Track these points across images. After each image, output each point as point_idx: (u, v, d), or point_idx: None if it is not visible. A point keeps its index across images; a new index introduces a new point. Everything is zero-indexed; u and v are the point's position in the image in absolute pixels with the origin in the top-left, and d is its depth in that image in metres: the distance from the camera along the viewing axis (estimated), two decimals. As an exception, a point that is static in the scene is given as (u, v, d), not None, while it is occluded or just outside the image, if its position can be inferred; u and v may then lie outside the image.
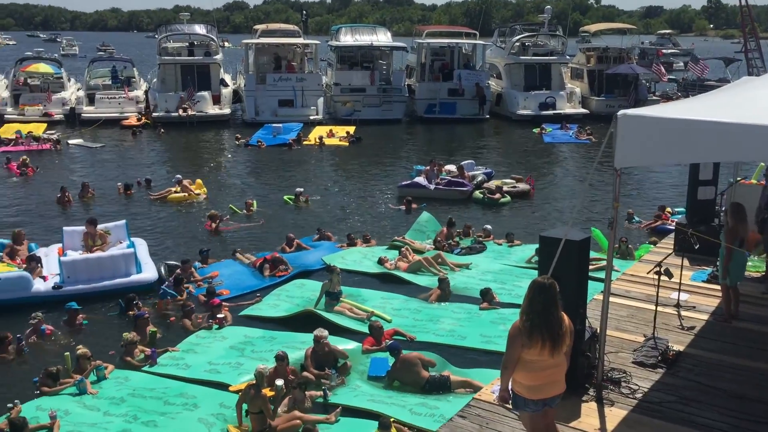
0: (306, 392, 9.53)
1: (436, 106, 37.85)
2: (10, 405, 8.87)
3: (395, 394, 9.75)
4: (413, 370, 9.95)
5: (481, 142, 33.61)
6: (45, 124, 33.09)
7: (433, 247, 16.39)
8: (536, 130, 34.84)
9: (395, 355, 10.11)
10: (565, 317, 5.86)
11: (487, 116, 38.28)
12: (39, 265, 14.00)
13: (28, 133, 30.26)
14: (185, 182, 21.55)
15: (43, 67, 38.34)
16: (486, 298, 12.99)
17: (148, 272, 14.18)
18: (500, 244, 16.79)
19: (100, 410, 9.32)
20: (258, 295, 13.48)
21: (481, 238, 17.06)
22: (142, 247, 15.56)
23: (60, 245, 15.05)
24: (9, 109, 34.81)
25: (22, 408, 8.91)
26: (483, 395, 7.83)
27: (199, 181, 22.00)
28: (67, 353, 10.53)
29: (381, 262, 15.13)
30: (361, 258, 15.65)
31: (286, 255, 15.53)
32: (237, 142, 31.07)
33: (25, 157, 25.65)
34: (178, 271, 14.09)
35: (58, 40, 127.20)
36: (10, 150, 27.79)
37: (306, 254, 15.91)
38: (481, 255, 16.09)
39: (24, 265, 14.01)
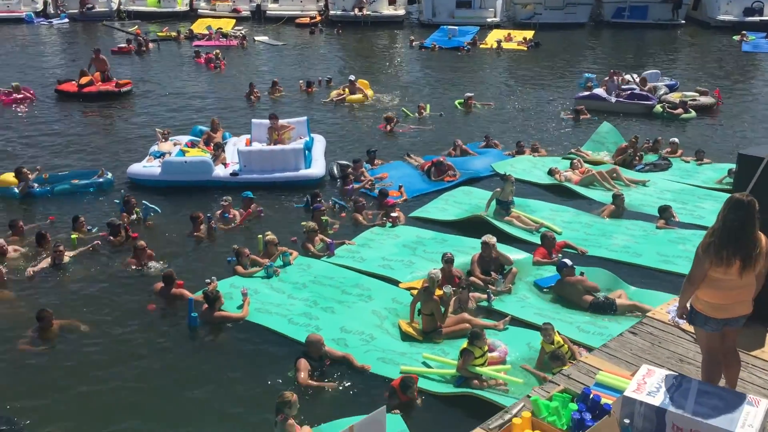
0: (471, 294, 9.81)
1: (625, 9, 35.32)
2: (207, 280, 9.86)
3: (563, 309, 9.72)
4: (575, 293, 9.88)
5: (671, 50, 31.16)
6: (233, 20, 34.76)
7: (611, 160, 15.75)
8: (736, 38, 31.63)
9: (561, 272, 10.05)
10: (763, 238, 5.49)
11: (682, 21, 35.19)
12: (223, 152, 15.21)
13: (218, 29, 32.02)
14: (358, 84, 21.91)
15: (235, -36, 39.87)
16: (664, 215, 12.41)
17: (317, 168, 14.89)
18: (687, 162, 15.79)
19: (284, 293, 10.16)
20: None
21: (668, 154, 16.13)
22: (319, 143, 16.27)
23: (248, 136, 16.14)
24: (202, 4, 36.87)
25: (218, 284, 9.88)
26: (657, 314, 7.64)
27: (365, 82, 22.17)
28: (260, 236, 11.42)
29: (551, 173, 14.81)
30: (531, 167, 15.40)
31: (453, 160, 15.57)
32: (411, 45, 30.98)
33: (217, 51, 27.29)
34: (350, 170, 14.63)
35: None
36: (202, 44, 29.62)
37: (472, 160, 15.89)
38: (665, 173, 15.25)
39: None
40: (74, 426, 7.58)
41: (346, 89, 21.65)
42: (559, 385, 6.31)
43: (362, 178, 14.56)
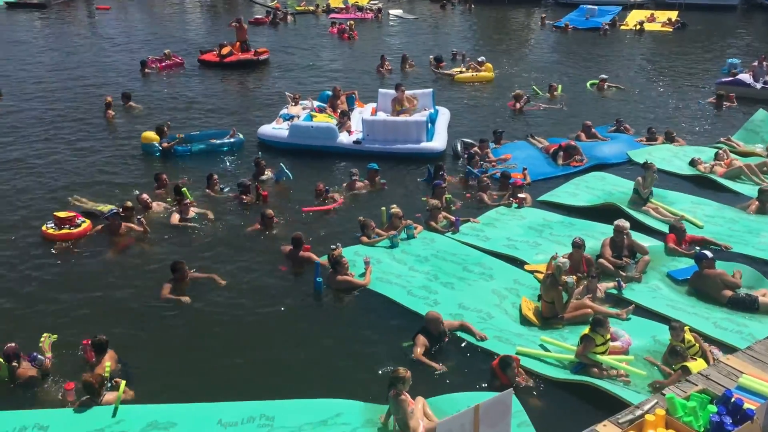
0: (599, 284, 9.39)
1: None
2: (332, 246, 10.04)
3: (699, 303, 9.17)
4: (714, 287, 9.25)
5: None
6: (370, -6, 35.02)
7: (766, 153, 14.58)
8: None
9: (700, 264, 9.44)
10: None
11: None
12: (348, 120, 15.39)
13: (354, 2, 32.37)
14: (471, 63, 21.47)
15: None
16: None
17: (438, 142, 14.73)
18: None
19: (406, 264, 10.15)
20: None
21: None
22: (443, 117, 16.12)
23: (374, 105, 16.27)
24: (339, -22, 37.30)
25: (342, 251, 10.04)
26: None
27: (489, 65, 21.57)
28: (383, 208, 11.50)
29: (694, 163, 13.91)
30: (671, 156, 14.52)
31: (581, 143, 14.86)
32: (542, 24, 30.02)
33: (351, 22, 27.66)
34: (475, 149, 14.33)
35: None
36: (339, 17, 30.07)
37: (601, 145, 15.13)
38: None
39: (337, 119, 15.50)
40: (186, 370, 7.93)
41: (471, 67, 21.27)
42: (697, 384, 5.90)
43: (487, 158, 14.24)
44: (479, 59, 21.59)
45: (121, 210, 11.13)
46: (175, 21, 30.78)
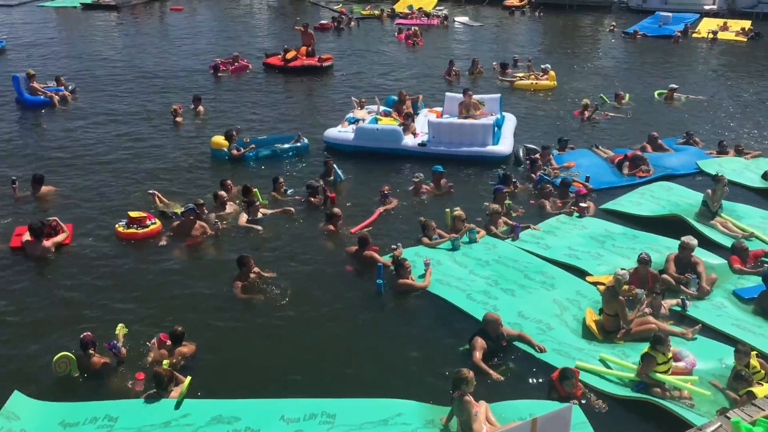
0: (663, 300, 9.22)
1: None
2: (393, 246, 10.25)
3: (765, 323, 8.92)
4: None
5: None
6: (435, 0, 35.01)
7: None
8: None
9: (767, 283, 9.20)
10: None
11: None
12: (413, 122, 15.54)
13: (419, 8, 32.45)
14: (533, 71, 21.26)
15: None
16: None
17: (504, 146, 14.72)
18: None
19: (467, 268, 10.19)
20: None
21: None
22: (510, 122, 16.11)
23: (440, 108, 16.37)
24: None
25: (403, 251, 10.20)
26: None
27: (552, 73, 21.11)
28: (447, 210, 11.58)
29: (767, 176, 13.51)
30: (742, 168, 14.15)
31: (647, 155, 14.56)
32: (611, 31, 29.50)
33: (416, 28, 27.77)
34: (537, 155, 14.22)
35: None
36: (404, 23, 30.22)
37: (668, 156, 14.80)
38: None
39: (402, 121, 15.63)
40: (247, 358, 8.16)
41: (533, 74, 21.08)
42: (764, 410, 5.78)
43: (549, 165, 14.13)
44: (543, 66, 21.36)
45: (196, 207, 11.39)
46: (244, 23, 31.46)
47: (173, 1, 34.77)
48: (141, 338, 8.52)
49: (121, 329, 8.38)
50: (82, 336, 8.00)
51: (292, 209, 12.02)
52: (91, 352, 7.94)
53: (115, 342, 8.08)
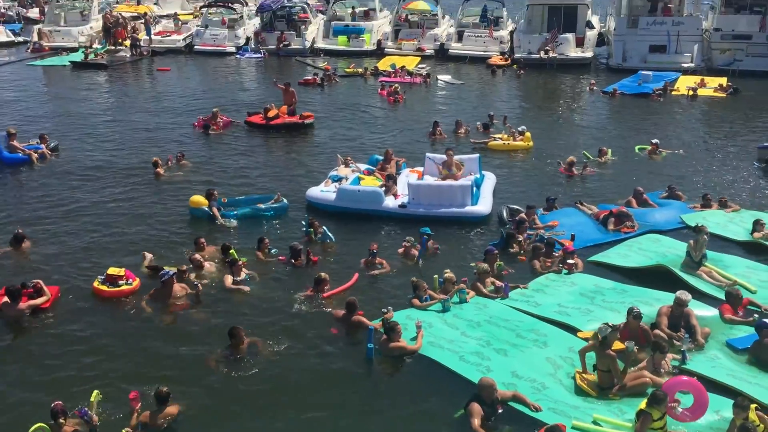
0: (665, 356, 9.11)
1: None
2: (384, 310, 10.09)
3: (760, 373, 8.92)
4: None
5: None
6: (418, 59, 35.56)
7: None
8: None
9: (760, 333, 9.22)
10: None
11: None
12: (394, 184, 15.57)
13: (402, 66, 32.89)
14: (502, 135, 20.97)
15: (422, 5, 40.93)
16: None
17: (483, 206, 14.76)
18: None
19: (458, 329, 10.05)
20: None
21: None
22: (489, 181, 16.16)
23: (421, 169, 16.41)
24: (389, 43, 38.03)
25: (393, 314, 10.04)
26: None
27: (528, 134, 20.81)
28: (436, 276, 11.45)
29: (756, 226, 13.48)
30: (726, 221, 14.24)
31: (632, 210, 14.59)
32: (591, 89, 29.98)
33: (396, 86, 28.10)
34: (522, 215, 14.13)
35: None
36: (388, 80, 30.57)
37: (652, 212, 14.84)
38: None
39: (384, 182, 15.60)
40: None
41: (505, 135, 20.95)
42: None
43: (534, 225, 14.03)
44: (520, 128, 21.28)
45: (176, 272, 11.26)
46: (230, 81, 31.68)
47: (160, 62, 35.12)
48: (118, 403, 8.25)
49: (96, 396, 8.12)
50: (52, 405, 7.80)
51: (248, 288, 11.54)
52: (61, 421, 7.73)
53: (86, 409, 7.87)
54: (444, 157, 16.26)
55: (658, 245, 12.91)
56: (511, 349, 9.42)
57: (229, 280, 11.49)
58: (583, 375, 8.88)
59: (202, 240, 12.84)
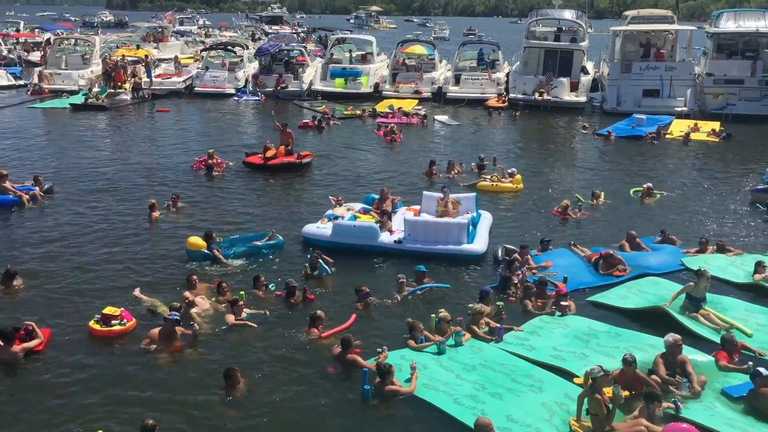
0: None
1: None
2: (379, 350, 10.03)
3: (757, 422, 8.82)
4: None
5: None
6: (416, 101, 36.05)
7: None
8: None
9: (755, 382, 9.16)
10: None
11: None
12: (389, 220, 15.71)
13: (399, 108, 33.36)
14: (492, 176, 21.06)
15: (419, 49, 41.79)
16: None
17: (478, 245, 14.85)
18: None
19: (453, 372, 9.99)
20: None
21: None
22: (485, 220, 16.35)
23: (418, 207, 16.59)
24: (387, 86, 38.64)
25: (388, 354, 9.96)
26: None
27: (518, 176, 20.97)
28: (433, 315, 11.42)
29: (758, 267, 13.51)
30: (727, 264, 14.25)
31: (624, 254, 14.59)
32: (584, 129, 30.34)
33: (393, 125, 28.49)
34: (516, 255, 14.16)
35: (428, 24, 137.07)
36: (385, 121, 30.95)
37: (645, 256, 14.83)
38: None
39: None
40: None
41: (495, 176, 21.04)
42: None
43: (527, 265, 14.03)
44: (510, 170, 21.43)
45: (178, 315, 11.15)
46: (228, 122, 32.02)
47: (160, 104, 35.50)
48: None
49: None
50: None
51: (255, 324, 11.56)
52: None
53: None
54: (441, 194, 16.46)
55: (658, 287, 12.93)
56: (506, 394, 9.35)
57: (231, 318, 11.47)
58: (578, 421, 8.78)
59: (194, 277, 12.81)
